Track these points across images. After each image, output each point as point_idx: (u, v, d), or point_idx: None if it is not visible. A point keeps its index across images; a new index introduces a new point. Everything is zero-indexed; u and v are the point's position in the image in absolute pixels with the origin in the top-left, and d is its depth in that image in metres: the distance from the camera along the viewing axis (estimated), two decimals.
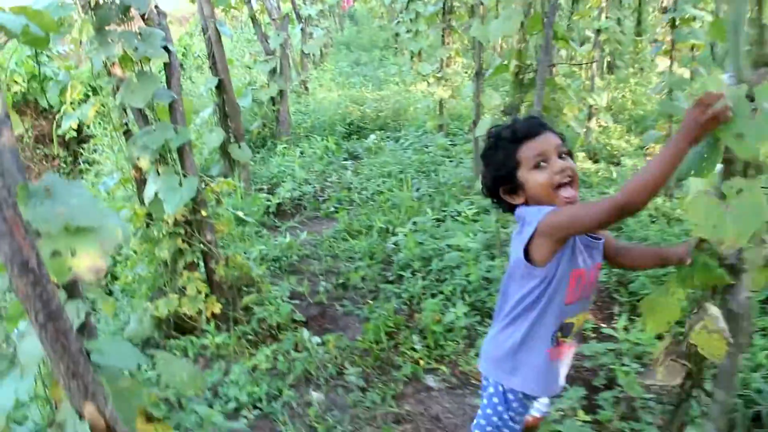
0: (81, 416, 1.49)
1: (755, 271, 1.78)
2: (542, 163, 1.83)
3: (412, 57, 9.34)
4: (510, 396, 2.00)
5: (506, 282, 1.98)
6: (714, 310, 1.63)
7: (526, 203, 1.88)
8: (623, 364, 3.12)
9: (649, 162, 1.59)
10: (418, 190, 5.62)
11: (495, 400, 2.03)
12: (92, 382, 1.48)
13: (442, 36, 7.17)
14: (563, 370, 2.01)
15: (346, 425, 2.88)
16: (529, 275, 1.85)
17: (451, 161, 6.35)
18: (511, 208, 1.94)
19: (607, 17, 6.82)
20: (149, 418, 1.88)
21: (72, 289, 1.71)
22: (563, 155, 1.86)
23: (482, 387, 2.12)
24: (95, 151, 6.59)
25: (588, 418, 2.84)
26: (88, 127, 6.11)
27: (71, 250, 1.64)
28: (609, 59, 9.24)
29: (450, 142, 6.95)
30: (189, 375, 2.10)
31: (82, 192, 1.78)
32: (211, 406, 2.98)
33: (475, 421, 2.12)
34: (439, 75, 7.20)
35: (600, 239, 1.93)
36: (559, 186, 1.81)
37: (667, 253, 1.84)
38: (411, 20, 9.03)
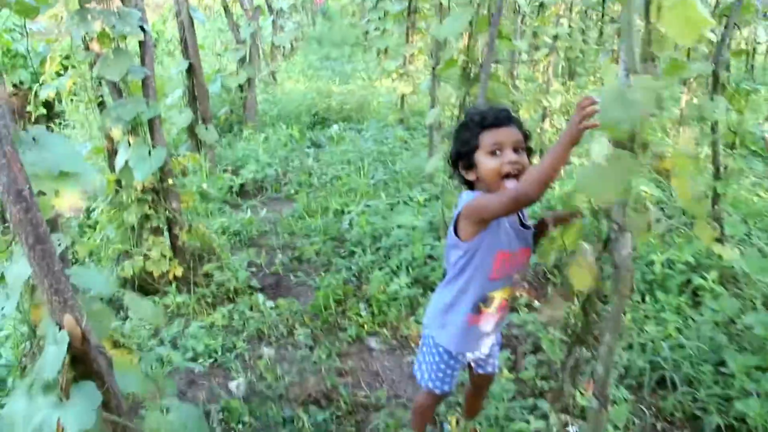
0: (61, 327, 1.76)
1: (638, 233, 2.15)
2: (497, 152, 2.08)
3: (378, 54, 9.67)
4: (440, 349, 2.33)
5: (446, 250, 2.29)
6: (587, 247, 1.98)
7: (477, 180, 2.17)
8: (548, 333, 3.47)
9: (541, 160, 1.86)
10: (374, 177, 5.95)
11: (425, 349, 2.38)
12: (71, 298, 1.76)
13: (407, 34, 7.51)
14: (485, 335, 2.32)
15: (293, 376, 3.19)
16: (456, 246, 2.17)
17: (408, 152, 6.70)
18: (465, 182, 2.23)
19: (570, 26, 7.20)
20: (116, 344, 2.17)
21: (53, 224, 1.99)
22: (519, 150, 2.11)
23: (423, 333, 2.44)
24: (65, 126, 6.80)
25: (512, 376, 3.19)
26: (60, 102, 6.31)
27: (55, 191, 1.95)
28: (563, 65, 9.61)
29: (409, 135, 7.30)
30: (152, 311, 2.40)
31: (65, 143, 2.09)
32: None
33: (416, 362, 2.47)
34: (402, 71, 7.53)
35: (530, 228, 2.23)
36: (507, 176, 2.07)
37: (563, 214, 2.17)
38: (379, 18, 9.37)
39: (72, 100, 6.34)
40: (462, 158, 2.17)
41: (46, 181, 1.92)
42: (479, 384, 2.60)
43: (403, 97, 7.64)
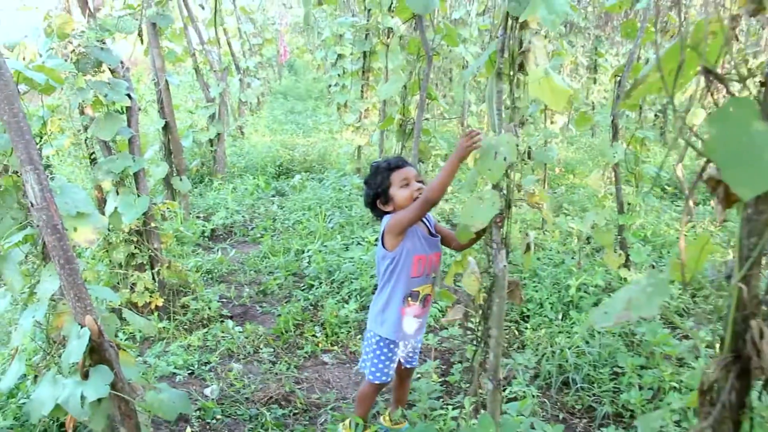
0: (82, 326, 2.39)
1: (523, 254, 2.88)
2: (406, 185, 2.91)
3: (338, 108, 10.41)
4: (381, 343, 3.04)
5: (377, 264, 3.06)
6: (472, 260, 2.70)
7: (393, 210, 2.93)
8: (474, 346, 4.14)
9: (438, 173, 2.69)
10: (331, 220, 6.66)
11: (371, 341, 3.08)
12: (90, 304, 2.40)
13: (362, 90, 8.28)
14: (414, 325, 3.05)
15: (258, 383, 3.82)
16: (384, 257, 2.95)
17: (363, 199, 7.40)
18: (382, 214, 2.99)
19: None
20: (118, 346, 2.80)
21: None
22: (418, 180, 2.95)
23: (365, 337, 3.15)
24: (53, 179, 7.39)
25: (440, 380, 3.86)
26: (48, 158, 6.92)
27: (74, 227, 2.63)
28: None
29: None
30: (145, 323, 3.03)
31: (79, 191, 2.77)
32: None
33: (361, 360, 3.19)
34: (358, 125, 8.29)
35: (437, 236, 3.03)
36: (416, 199, 2.86)
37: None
38: (339, 75, 10.16)
39: (56, 154, 6.96)
40: (379, 197, 2.96)
41: (67, 221, 2.58)
42: (405, 376, 3.30)
43: (359, 148, 8.39)
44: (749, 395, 1.25)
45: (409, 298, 2.97)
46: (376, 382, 3.09)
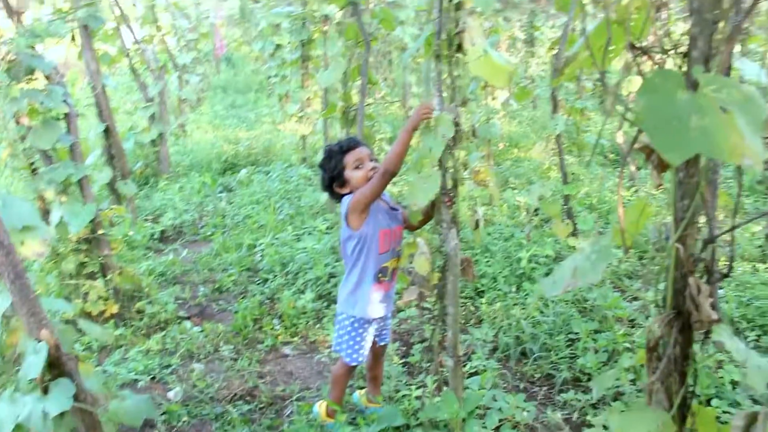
0: (38, 341, 2.36)
1: (473, 230, 2.94)
2: (360, 165, 2.96)
3: (280, 99, 10.35)
4: (354, 323, 3.08)
5: (342, 246, 3.09)
6: (421, 241, 2.75)
7: (350, 192, 2.97)
8: (432, 325, 4.21)
9: (393, 144, 2.74)
10: (281, 213, 6.65)
11: (345, 323, 3.11)
12: (44, 318, 2.38)
13: (302, 80, 8.25)
14: (385, 301, 3.10)
15: (221, 381, 3.81)
16: (350, 237, 2.98)
17: (311, 187, 7.41)
18: (340, 197, 3.03)
19: None
20: (77, 357, 2.78)
21: None
22: (372, 159, 2.99)
23: (337, 320, 3.18)
24: None
25: (401, 361, 3.91)
26: None
27: (21, 241, 2.59)
28: None
29: (312, 172, 8.01)
30: (101, 332, 3.00)
31: (24, 203, 2.72)
32: None
33: (333, 342, 3.22)
34: (301, 114, 8.26)
35: (397, 210, 3.10)
36: (370, 179, 2.91)
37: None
38: (278, 66, 10.09)
39: None
40: (335, 180, 3.01)
41: (14, 234, 2.54)
42: (379, 353, 3.35)
43: (303, 138, 8.37)
44: (692, 348, 1.32)
45: (380, 275, 3.01)
46: (353, 363, 3.13)
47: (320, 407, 3.35)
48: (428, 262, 2.71)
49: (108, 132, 6.03)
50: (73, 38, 5.20)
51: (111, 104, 6.06)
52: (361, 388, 3.58)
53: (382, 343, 3.30)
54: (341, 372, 3.23)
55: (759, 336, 3.85)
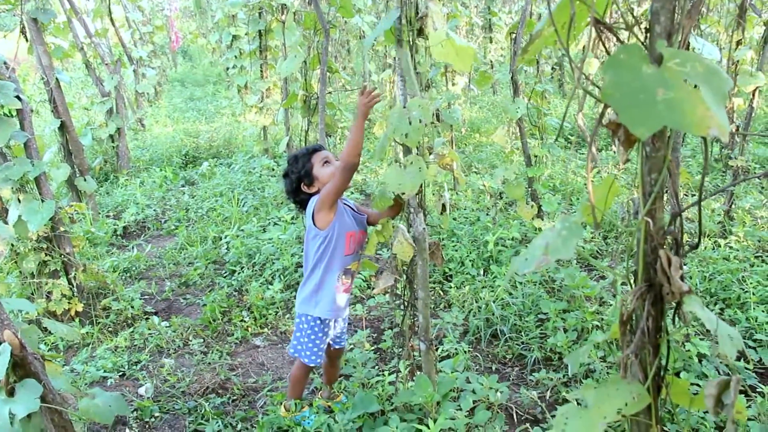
0: (1, 342, 2.31)
1: (439, 215, 2.94)
2: (326, 163, 2.99)
3: (239, 90, 10.24)
4: (313, 324, 3.05)
5: (306, 246, 3.08)
6: (402, 227, 2.73)
7: (318, 191, 2.96)
8: (402, 311, 4.22)
9: (348, 136, 2.75)
10: (245, 204, 6.60)
11: (303, 326, 3.08)
12: (7, 318, 2.33)
13: (261, 70, 8.17)
14: (345, 303, 3.10)
15: (192, 376, 3.78)
16: (316, 236, 2.96)
17: (274, 178, 7.37)
18: (308, 198, 3.01)
19: None
20: (42, 357, 2.73)
21: None
22: (337, 160, 2.96)
23: (296, 322, 3.14)
24: None
25: (372, 348, 3.91)
26: None
27: None
28: None
29: (274, 163, 7.97)
30: (68, 330, 2.95)
31: None
32: None
33: (290, 345, 3.19)
34: (261, 105, 8.19)
35: (363, 215, 3.10)
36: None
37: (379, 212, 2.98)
38: (236, 57, 9.96)
39: None
40: (302, 179, 3.03)
41: None
42: (334, 356, 3.36)
43: (264, 128, 8.30)
44: (664, 320, 1.33)
45: (343, 276, 3.02)
46: (312, 364, 3.12)
47: (281, 408, 3.32)
48: (411, 248, 2.70)
49: (64, 128, 5.92)
50: (22, 32, 5.08)
51: (66, 100, 5.95)
52: (318, 389, 3.59)
53: (338, 347, 3.31)
54: (301, 373, 3.23)
55: (722, 309, 3.94)
